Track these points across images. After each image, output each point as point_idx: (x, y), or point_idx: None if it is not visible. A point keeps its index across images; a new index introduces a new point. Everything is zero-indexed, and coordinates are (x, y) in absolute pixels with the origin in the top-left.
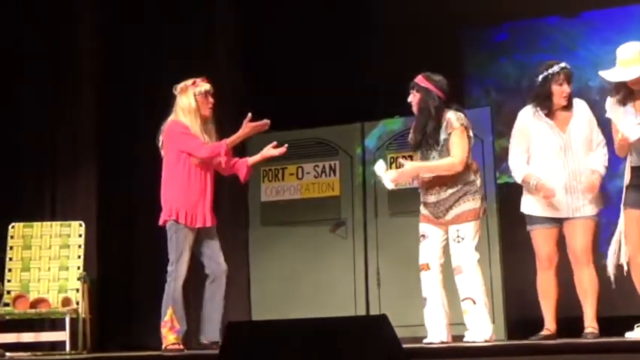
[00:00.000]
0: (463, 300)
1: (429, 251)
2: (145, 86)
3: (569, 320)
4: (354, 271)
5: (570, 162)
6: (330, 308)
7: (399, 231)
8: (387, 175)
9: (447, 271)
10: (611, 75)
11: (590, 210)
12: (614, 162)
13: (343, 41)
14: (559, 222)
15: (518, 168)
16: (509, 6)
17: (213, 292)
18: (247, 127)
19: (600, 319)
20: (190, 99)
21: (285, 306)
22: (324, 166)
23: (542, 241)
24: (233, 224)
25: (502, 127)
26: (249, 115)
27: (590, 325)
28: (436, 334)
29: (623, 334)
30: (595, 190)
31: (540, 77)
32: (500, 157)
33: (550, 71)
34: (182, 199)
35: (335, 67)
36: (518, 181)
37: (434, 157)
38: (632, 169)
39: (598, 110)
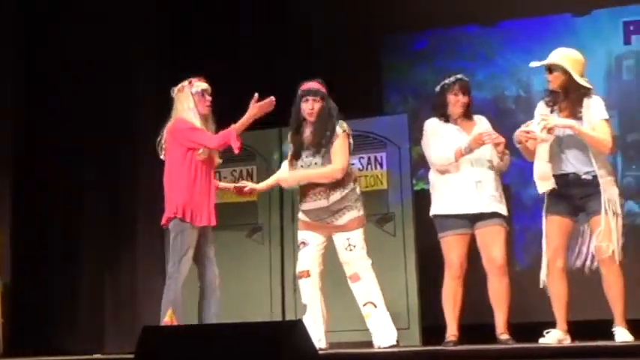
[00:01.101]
0: (364, 305)
1: (309, 258)
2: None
3: (475, 327)
4: (271, 276)
5: (477, 160)
6: (246, 313)
7: None
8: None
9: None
10: (534, 63)
11: (499, 207)
12: (528, 171)
13: (263, 46)
14: (470, 227)
15: (444, 152)
16: (430, 14)
17: (209, 301)
18: (254, 107)
19: (513, 325)
20: (188, 98)
21: (201, 310)
22: (241, 171)
23: (452, 248)
24: (150, 228)
25: (419, 134)
26: (256, 95)
27: (504, 331)
28: (315, 341)
29: (537, 340)
30: (498, 147)
31: (437, 88)
32: (417, 164)
33: (446, 81)
34: (187, 198)
35: (255, 72)
36: (452, 159)
37: (316, 164)
38: (552, 176)
39: (513, 119)
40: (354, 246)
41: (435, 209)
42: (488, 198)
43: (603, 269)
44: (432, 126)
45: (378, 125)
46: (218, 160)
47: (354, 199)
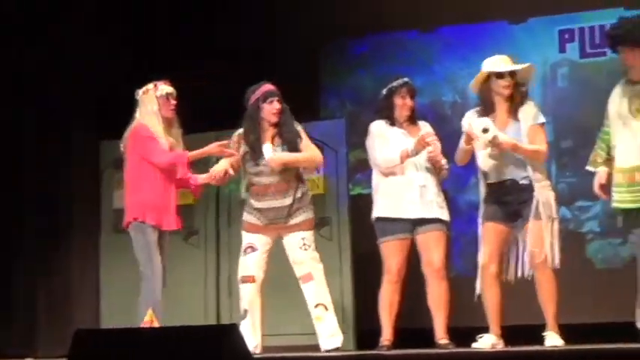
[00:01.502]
0: (316, 306)
1: (256, 264)
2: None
3: (411, 331)
4: (206, 280)
5: (421, 164)
6: (181, 317)
7: None
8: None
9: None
10: (507, 68)
11: (441, 213)
12: (464, 177)
13: (197, 50)
14: (411, 232)
15: (390, 154)
16: (369, 19)
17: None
18: (216, 147)
19: (452, 330)
20: (152, 101)
21: (135, 314)
22: None
23: (392, 253)
24: (83, 230)
25: (357, 138)
26: (226, 142)
27: (444, 336)
28: (250, 346)
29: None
30: (436, 159)
31: (384, 91)
32: (355, 169)
33: (393, 84)
34: (148, 201)
35: (193, 76)
36: (398, 161)
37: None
38: (489, 185)
39: (450, 124)
40: (309, 246)
41: (377, 212)
42: (431, 203)
43: (537, 274)
44: (378, 128)
45: (316, 130)
46: None
47: (308, 201)
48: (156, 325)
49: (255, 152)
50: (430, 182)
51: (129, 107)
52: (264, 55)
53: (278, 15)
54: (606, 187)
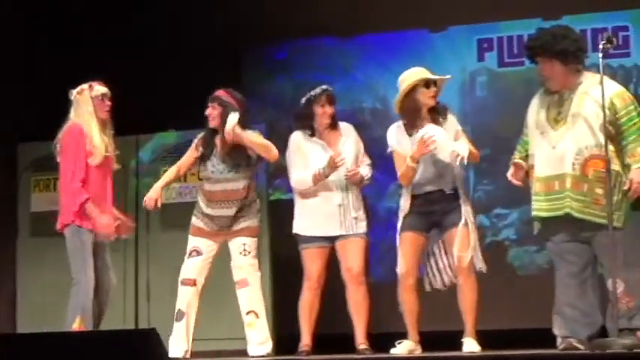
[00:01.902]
0: (248, 313)
1: (198, 267)
2: None
3: (332, 336)
4: (125, 284)
5: (339, 182)
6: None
7: (170, 245)
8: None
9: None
10: (436, 75)
11: (361, 227)
12: (384, 184)
13: (120, 55)
14: (331, 241)
15: (302, 176)
16: (290, 25)
17: (103, 308)
18: (117, 217)
19: (374, 336)
20: (87, 102)
21: (53, 319)
22: None
23: (312, 260)
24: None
25: (277, 144)
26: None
27: (363, 342)
28: (182, 350)
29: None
30: (353, 179)
31: (303, 99)
32: (273, 174)
33: (312, 93)
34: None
35: (111, 79)
36: (310, 184)
37: (229, 171)
38: (415, 196)
39: (370, 131)
40: (249, 252)
41: (296, 228)
42: (350, 220)
43: (461, 279)
44: (296, 143)
45: None
46: (116, 166)
47: (255, 210)
48: None
49: (206, 158)
50: (349, 199)
51: (47, 109)
52: (185, 61)
53: (198, 18)
54: (519, 175)
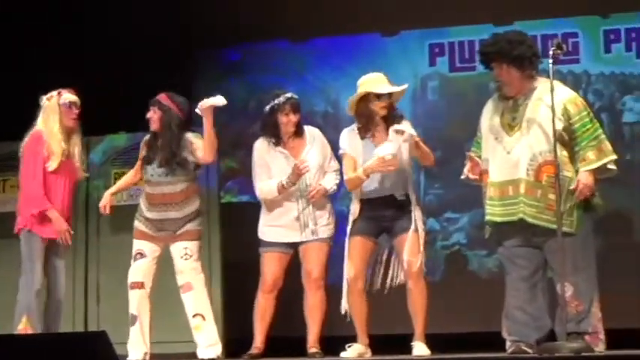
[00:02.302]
0: (194, 316)
1: (144, 270)
2: None
3: (285, 339)
4: (74, 287)
5: (302, 191)
6: None
7: (120, 248)
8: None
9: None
10: (387, 88)
11: (323, 232)
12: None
13: (72, 56)
14: (293, 247)
15: (268, 186)
16: (244, 27)
17: (54, 314)
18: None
19: (327, 339)
20: (55, 109)
21: (5, 319)
22: None
23: (270, 264)
24: None
25: (228, 147)
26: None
27: (314, 345)
28: (141, 352)
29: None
30: (316, 197)
31: (267, 108)
32: (225, 177)
33: (276, 102)
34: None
35: (63, 80)
36: (275, 194)
37: (168, 175)
38: (366, 201)
39: (323, 135)
40: (190, 256)
41: (260, 234)
42: (314, 227)
43: (411, 283)
44: (260, 153)
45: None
46: (82, 174)
47: (197, 213)
48: (29, 332)
49: (148, 161)
50: (310, 207)
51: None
52: (137, 60)
53: (152, 19)
54: (476, 171)
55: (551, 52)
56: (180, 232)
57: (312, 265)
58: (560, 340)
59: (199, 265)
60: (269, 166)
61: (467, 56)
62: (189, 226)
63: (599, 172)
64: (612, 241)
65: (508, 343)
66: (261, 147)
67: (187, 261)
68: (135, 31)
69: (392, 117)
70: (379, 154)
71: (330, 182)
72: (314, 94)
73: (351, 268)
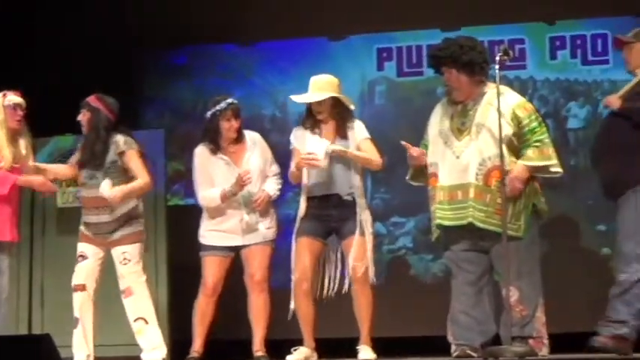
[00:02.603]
0: (135, 320)
1: (86, 272)
2: None
3: (230, 342)
4: (18, 290)
5: (245, 197)
6: None
7: (65, 249)
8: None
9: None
10: (302, 98)
11: (265, 235)
12: (282, 190)
13: (17, 57)
14: (234, 250)
15: (210, 193)
16: (190, 30)
17: None
18: (44, 182)
19: (272, 342)
20: None
21: None
22: None
23: (212, 268)
24: None
25: (175, 150)
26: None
27: (260, 348)
28: (83, 355)
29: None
30: (262, 205)
31: (209, 114)
32: (172, 180)
33: (217, 108)
34: None
35: (9, 82)
36: (218, 202)
37: (98, 178)
38: (311, 199)
39: (269, 138)
40: (129, 260)
41: (201, 238)
42: (256, 232)
43: (357, 288)
44: (201, 160)
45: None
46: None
47: (135, 215)
48: None
49: (81, 160)
50: (254, 213)
51: None
52: (83, 61)
53: (98, 20)
54: (422, 159)
55: (497, 58)
56: (117, 236)
57: (255, 269)
58: (504, 344)
59: (140, 268)
60: (210, 173)
61: (414, 61)
62: (127, 230)
63: (539, 173)
64: (557, 246)
65: (453, 347)
66: (202, 154)
67: (126, 266)
68: (83, 31)
69: (341, 117)
70: (307, 149)
71: (272, 187)
72: (261, 98)
73: (297, 269)
